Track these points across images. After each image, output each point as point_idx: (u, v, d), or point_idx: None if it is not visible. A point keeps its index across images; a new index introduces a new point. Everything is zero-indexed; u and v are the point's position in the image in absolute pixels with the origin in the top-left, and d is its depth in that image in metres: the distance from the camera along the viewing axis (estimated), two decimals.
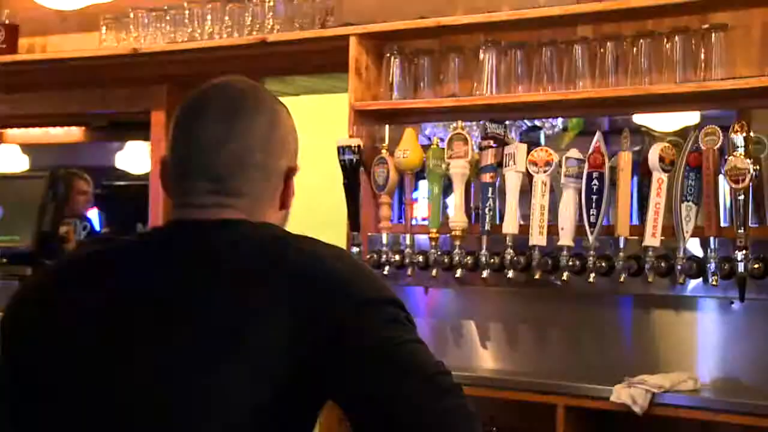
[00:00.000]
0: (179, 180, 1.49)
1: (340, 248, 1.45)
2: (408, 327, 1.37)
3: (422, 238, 3.41)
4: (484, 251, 3.24)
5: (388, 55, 3.50)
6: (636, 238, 3.03)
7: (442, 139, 3.35)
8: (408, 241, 3.40)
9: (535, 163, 3.16)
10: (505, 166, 3.22)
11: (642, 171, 3.10)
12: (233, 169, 1.46)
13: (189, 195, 1.47)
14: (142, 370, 1.35)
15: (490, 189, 3.24)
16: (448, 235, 3.31)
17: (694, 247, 2.98)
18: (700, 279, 2.97)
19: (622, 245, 3.02)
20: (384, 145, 3.47)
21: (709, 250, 2.93)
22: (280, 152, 1.49)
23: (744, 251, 2.83)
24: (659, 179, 2.98)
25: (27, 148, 5.88)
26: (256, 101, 1.51)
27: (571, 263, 3.09)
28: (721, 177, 2.93)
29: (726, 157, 2.88)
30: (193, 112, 1.50)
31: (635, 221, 3.11)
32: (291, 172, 1.51)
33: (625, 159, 3.06)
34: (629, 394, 2.90)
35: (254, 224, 1.46)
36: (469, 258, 3.27)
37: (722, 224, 2.96)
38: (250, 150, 1.46)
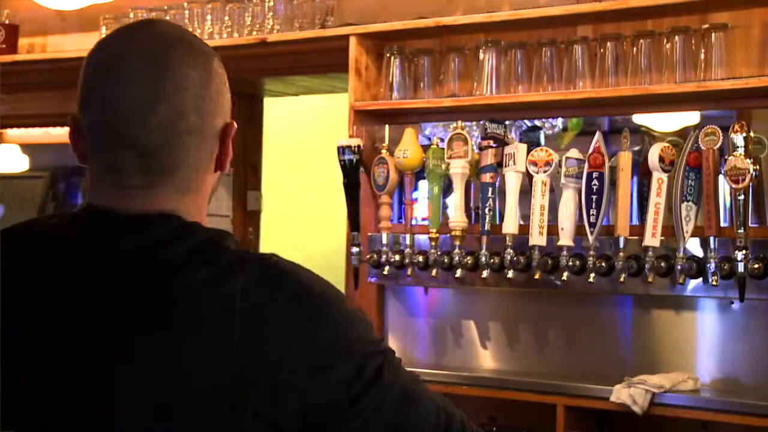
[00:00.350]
0: (97, 150, 1.27)
1: (312, 274, 1.26)
2: (405, 377, 1.27)
3: (422, 238, 3.40)
4: (484, 251, 3.23)
5: (388, 55, 3.50)
6: (636, 238, 3.03)
7: (442, 139, 3.35)
8: (408, 241, 3.40)
9: (535, 163, 3.16)
10: (505, 166, 3.22)
11: (642, 171, 3.10)
12: (164, 138, 1.24)
13: (110, 172, 1.26)
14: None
15: (490, 189, 3.24)
16: (448, 235, 3.31)
17: (694, 247, 2.98)
18: (700, 279, 2.97)
19: (622, 245, 3.02)
20: (384, 145, 3.47)
21: (709, 250, 2.92)
22: (215, 110, 1.28)
23: (744, 251, 2.83)
24: (659, 179, 2.98)
25: (27, 148, 5.87)
26: (188, 49, 1.27)
27: (571, 263, 3.09)
28: (721, 177, 2.93)
29: (726, 157, 2.88)
30: (109, 61, 1.26)
31: (635, 221, 3.11)
32: (227, 130, 1.31)
33: (625, 159, 3.06)
34: (629, 394, 2.90)
35: (192, 229, 1.25)
36: (469, 258, 3.27)
37: (722, 224, 2.96)
38: (183, 112, 1.24)
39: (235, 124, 1.32)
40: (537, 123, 3.55)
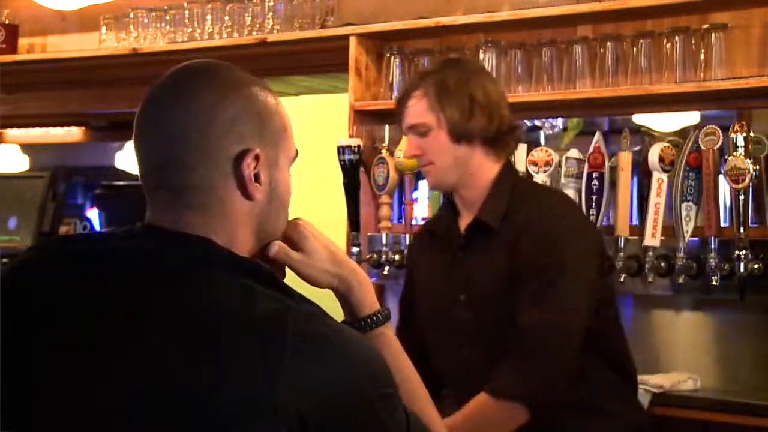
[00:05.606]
0: (140, 173, 1.39)
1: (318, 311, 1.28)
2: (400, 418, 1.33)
3: None
4: None
5: (388, 55, 3.50)
6: (636, 238, 3.03)
7: None
8: (408, 241, 3.40)
9: (535, 163, 3.16)
10: None
11: (642, 171, 3.10)
12: (171, 150, 1.33)
13: (147, 191, 1.37)
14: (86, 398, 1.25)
15: None
16: None
17: (694, 247, 2.98)
18: (700, 279, 2.97)
19: (622, 245, 3.02)
20: (384, 145, 3.47)
21: (709, 250, 2.92)
22: (226, 133, 1.32)
23: (744, 251, 2.83)
24: (659, 179, 2.98)
25: (27, 148, 5.88)
26: (209, 76, 1.37)
27: None
28: (721, 177, 2.93)
29: (726, 157, 2.88)
30: (146, 97, 1.39)
31: (635, 221, 3.11)
32: (243, 155, 1.33)
33: (625, 159, 3.06)
34: None
35: (222, 256, 1.31)
36: None
37: (722, 224, 2.96)
38: (188, 128, 1.32)
39: (261, 155, 1.34)
40: (537, 123, 3.55)
